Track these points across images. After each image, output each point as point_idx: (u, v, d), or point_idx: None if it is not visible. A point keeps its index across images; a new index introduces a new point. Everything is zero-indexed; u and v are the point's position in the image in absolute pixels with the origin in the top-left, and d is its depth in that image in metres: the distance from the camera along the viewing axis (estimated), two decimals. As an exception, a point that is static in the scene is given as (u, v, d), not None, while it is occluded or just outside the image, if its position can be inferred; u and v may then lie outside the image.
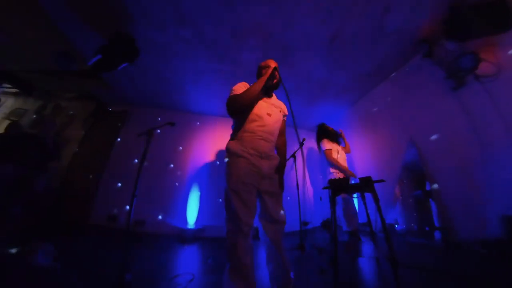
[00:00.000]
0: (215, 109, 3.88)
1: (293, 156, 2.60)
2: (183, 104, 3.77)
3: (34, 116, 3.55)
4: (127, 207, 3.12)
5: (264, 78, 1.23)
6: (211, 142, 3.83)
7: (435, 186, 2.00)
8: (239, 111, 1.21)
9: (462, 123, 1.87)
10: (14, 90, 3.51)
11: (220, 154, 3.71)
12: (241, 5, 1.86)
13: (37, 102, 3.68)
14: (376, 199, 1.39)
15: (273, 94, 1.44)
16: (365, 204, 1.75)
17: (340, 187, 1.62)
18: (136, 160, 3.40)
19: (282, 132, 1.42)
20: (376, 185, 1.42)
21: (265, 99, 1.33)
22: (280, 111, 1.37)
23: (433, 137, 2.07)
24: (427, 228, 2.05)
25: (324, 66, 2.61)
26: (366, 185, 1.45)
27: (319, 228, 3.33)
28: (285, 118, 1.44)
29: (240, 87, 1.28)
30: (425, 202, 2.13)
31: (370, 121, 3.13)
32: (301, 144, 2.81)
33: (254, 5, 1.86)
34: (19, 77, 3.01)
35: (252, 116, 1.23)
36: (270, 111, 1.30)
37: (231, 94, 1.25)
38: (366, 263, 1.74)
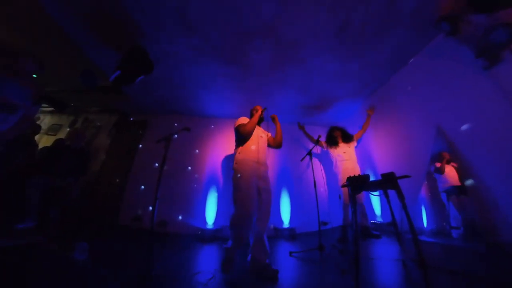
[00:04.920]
0: (227, 112, 3.95)
1: (309, 153, 2.52)
2: (197, 109, 3.89)
3: (68, 129, 3.99)
4: (150, 208, 3.32)
5: (257, 117, 2.00)
6: (225, 144, 3.90)
7: (471, 180, 1.79)
8: (247, 135, 1.91)
9: (499, 106, 1.62)
10: (50, 109, 4.02)
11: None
12: (245, 6, 1.86)
13: (70, 118, 4.17)
14: (401, 197, 1.29)
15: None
16: (389, 202, 1.64)
17: (360, 185, 1.53)
18: (157, 164, 3.59)
19: (272, 139, 2.17)
20: (400, 182, 1.32)
21: (257, 126, 2.04)
22: (266, 135, 2.13)
23: (465, 125, 1.85)
24: (462, 229, 1.83)
25: (335, 58, 2.50)
26: (389, 181, 1.36)
27: (339, 228, 3.20)
28: (269, 134, 2.18)
29: (244, 119, 2.03)
30: (458, 199, 1.91)
31: (390, 112, 2.92)
32: (317, 141, 2.78)
33: (257, 5, 1.84)
34: (53, 97, 3.43)
35: (250, 137, 1.93)
36: (262, 134, 2.06)
37: (238, 123, 1.97)
38: (391, 266, 1.62)
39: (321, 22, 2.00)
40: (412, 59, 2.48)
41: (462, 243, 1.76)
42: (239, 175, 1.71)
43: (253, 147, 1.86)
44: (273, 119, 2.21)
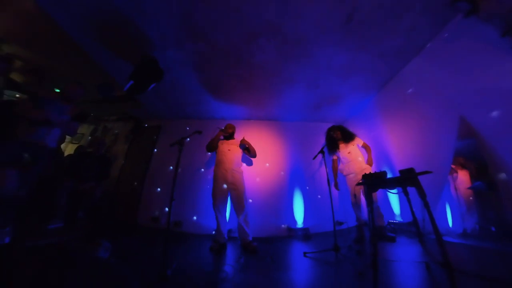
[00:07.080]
0: (237, 113, 3.98)
1: (321, 151, 2.44)
2: (207, 112, 3.97)
3: (89, 138, 4.29)
4: (167, 209, 3.44)
5: (215, 138, 2.75)
6: (236, 145, 3.93)
7: (503, 175, 1.63)
8: (209, 151, 2.83)
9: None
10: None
11: (244, 156, 3.75)
12: (248, 7, 1.85)
13: (90, 127, 4.50)
14: (422, 194, 1.22)
15: (235, 137, 2.92)
16: (408, 200, 1.55)
17: (377, 182, 1.47)
18: (171, 167, 3.72)
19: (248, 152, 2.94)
20: (421, 178, 1.24)
21: (226, 142, 2.79)
22: (237, 146, 2.81)
23: (494, 113, 1.68)
24: (493, 229, 1.66)
25: (343, 51, 2.41)
26: (408, 178, 1.28)
27: (355, 228, 3.09)
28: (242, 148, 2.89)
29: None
30: (488, 196, 1.74)
31: (405, 104, 2.74)
32: (321, 151, 2.68)
33: (260, 5, 1.83)
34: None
35: (219, 152, 2.72)
36: (230, 148, 2.72)
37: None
38: (412, 268, 1.53)
39: (326, 14, 1.93)
40: (427, 45, 2.32)
41: (492, 244, 1.60)
42: (213, 180, 2.58)
43: (221, 159, 2.63)
44: (241, 141, 2.86)
